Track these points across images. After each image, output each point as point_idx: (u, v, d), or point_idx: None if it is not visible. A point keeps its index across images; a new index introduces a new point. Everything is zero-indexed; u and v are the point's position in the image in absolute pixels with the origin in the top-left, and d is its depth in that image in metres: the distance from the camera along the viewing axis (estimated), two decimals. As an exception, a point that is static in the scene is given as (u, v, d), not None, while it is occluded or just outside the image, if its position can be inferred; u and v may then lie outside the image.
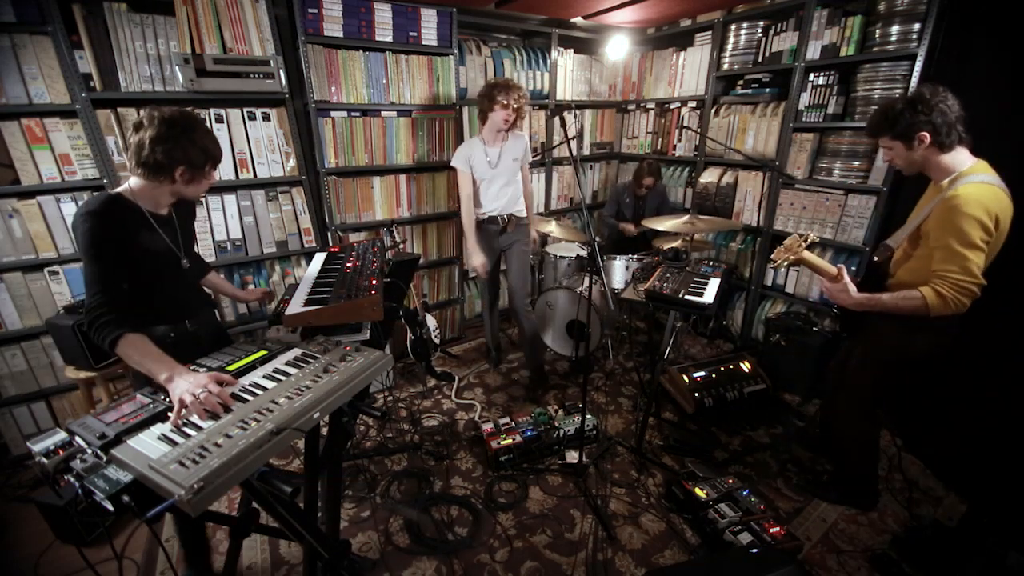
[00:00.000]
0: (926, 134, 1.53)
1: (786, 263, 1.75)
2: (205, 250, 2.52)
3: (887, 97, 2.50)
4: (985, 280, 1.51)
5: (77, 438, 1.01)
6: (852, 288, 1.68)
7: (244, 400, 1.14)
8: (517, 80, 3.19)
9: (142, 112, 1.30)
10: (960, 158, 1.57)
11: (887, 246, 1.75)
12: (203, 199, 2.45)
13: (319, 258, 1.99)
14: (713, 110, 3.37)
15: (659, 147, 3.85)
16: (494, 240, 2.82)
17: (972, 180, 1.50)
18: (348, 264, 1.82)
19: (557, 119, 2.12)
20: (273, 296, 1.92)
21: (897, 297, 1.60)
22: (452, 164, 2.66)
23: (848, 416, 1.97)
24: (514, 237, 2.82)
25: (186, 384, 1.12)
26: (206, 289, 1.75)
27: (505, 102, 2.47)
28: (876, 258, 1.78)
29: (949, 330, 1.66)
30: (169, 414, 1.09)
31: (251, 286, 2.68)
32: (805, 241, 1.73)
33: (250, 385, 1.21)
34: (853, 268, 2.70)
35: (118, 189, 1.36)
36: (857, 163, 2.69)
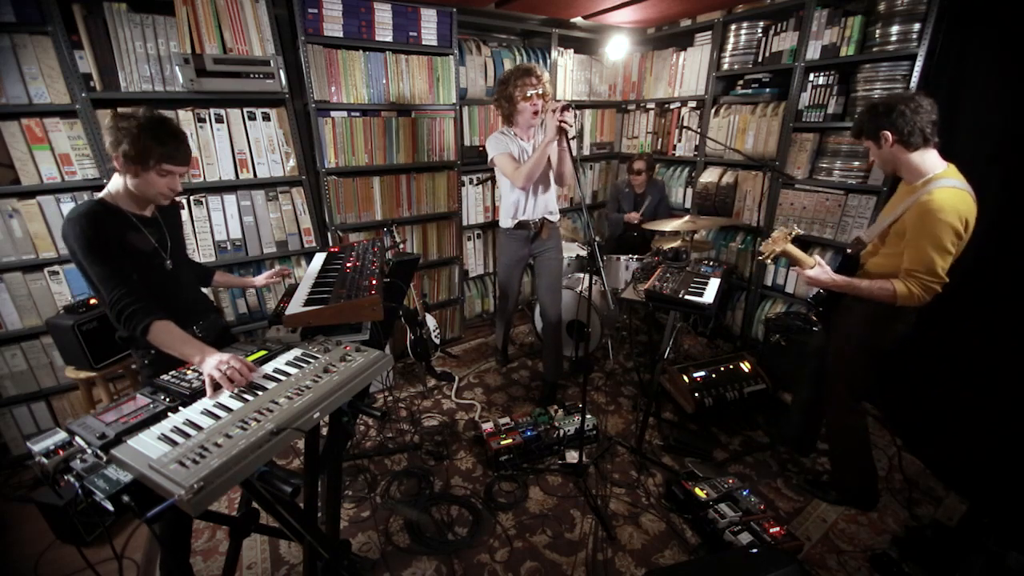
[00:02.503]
0: (888, 133, 1.65)
1: (772, 255, 1.88)
2: (205, 250, 2.53)
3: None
4: (947, 278, 1.64)
5: (77, 438, 1.00)
6: (829, 269, 1.84)
7: (244, 400, 1.14)
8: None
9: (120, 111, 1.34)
10: (930, 160, 1.66)
11: (860, 240, 1.90)
12: (203, 200, 2.45)
13: (319, 258, 1.99)
14: (713, 110, 3.37)
15: (659, 147, 3.85)
16: (523, 247, 2.63)
17: (945, 184, 1.59)
18: (348, 264, 1.82)
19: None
20: (288, 273, 1.93)
21: (873, 285, 1.73)
22: (491, 155, 2.41)
23: (834, 412, 2.03)
24: (547, 244, 2.62)
25: (214, 360, 1.22)
26: (205, 291, 1.75)
27: (528, 93, 2.25)
28: (849, 251, 1.92)
29: (908, 318, 1.78)
30: (170, 414, 1.09)
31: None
32: (791, 234, 1.87)
33: (250, 384, 1.21)
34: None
35: (99, 195, 1.41)
36: (857, 163, 2.68)
